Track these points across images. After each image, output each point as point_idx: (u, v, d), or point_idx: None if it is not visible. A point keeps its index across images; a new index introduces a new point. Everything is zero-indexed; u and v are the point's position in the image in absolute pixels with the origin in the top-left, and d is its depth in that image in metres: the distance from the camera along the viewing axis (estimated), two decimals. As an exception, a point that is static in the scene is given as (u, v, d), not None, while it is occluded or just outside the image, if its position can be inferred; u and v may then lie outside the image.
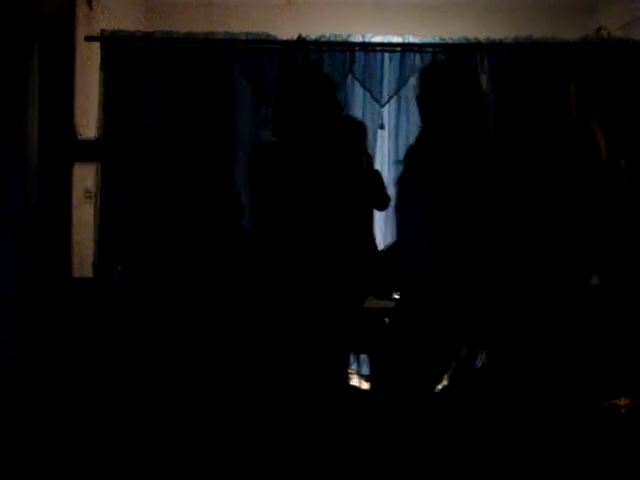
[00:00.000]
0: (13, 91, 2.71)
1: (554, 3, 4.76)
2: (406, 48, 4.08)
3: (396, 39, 4.12)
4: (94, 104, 3.98)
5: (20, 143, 2.74)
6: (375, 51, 4.09)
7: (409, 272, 2.71)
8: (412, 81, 4.09)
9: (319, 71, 3.36)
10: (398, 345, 2.67)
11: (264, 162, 2.76)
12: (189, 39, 4.01)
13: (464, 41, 4.06)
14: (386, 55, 4.10)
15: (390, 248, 3.40)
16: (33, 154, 2.83)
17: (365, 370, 3.97)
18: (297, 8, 4.77)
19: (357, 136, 3.89)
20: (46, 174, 3.13)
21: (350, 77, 4.09)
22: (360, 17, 4.69)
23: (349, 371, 3.56)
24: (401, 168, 2.93)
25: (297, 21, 4.34)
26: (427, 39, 4.08)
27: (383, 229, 4.13)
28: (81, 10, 3.79)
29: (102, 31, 4.00)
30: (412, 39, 4.10)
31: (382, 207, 3.78)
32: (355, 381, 3.87)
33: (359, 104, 4.18)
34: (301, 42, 4.04)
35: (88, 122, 3.91)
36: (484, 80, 4.06)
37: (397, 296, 3.25)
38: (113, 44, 3.99)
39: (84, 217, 3.81)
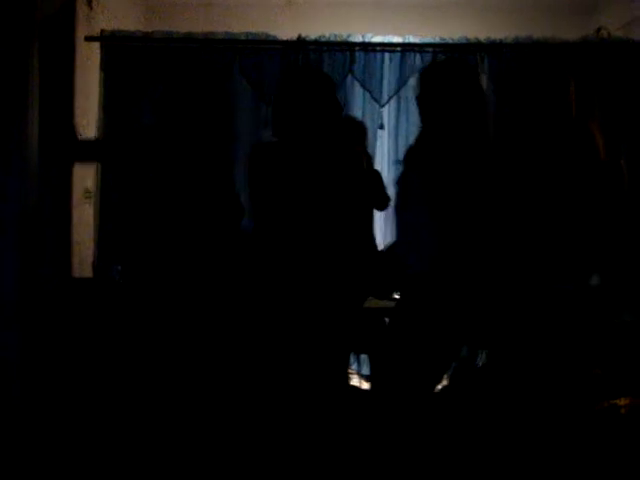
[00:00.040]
0: (13, 91, 2.72)
1: (554, 3, 4.76)
2: (406, 48, 4.07)
3: (396, 39, 4.12)
4: (94, 104, 3.98)
5: (20, 143, 2.74)
6: (375, 51, 4.09)
7: (409, 272, 2.71)
8: (412, 81, 4.09)
9: (319, 71, 3.36)
10: (398, 345, 2.67)
11: (264, 162, 2.76)
12: (189, 39, 4.01)
13: (464, 41, 4.05)
14: (386, 55, 4.10)
15: (390, 248, 3.40)
16: (33, 154, 2.83)
17: (365, 370, 3.96)
18: (297, 8, 4.77)
19: (357, 136, 3.89)
20: (46, 174, 3.13)
21: (350, 77, 4.09)
22: (360, 17, 4.69)
23: (349, 371, 3.56)
24: (401, 168, 2.93)
25: (297, 21, 4.34)
26: (427, 39, 4.08)
27: (383, 229, 4.13)
28: (81, 10, 3.79)
29: (102, 31, 3.99)
30: (412, 39, 4.10)
31: (382, 207, 3.78)
32: (355, 381, 3.87)
33: (359, 104, 4.18)
34: (301, 42, 4.04)
35: (88, 122, 3.91)
36: (484, 80, 4.06)
37: (397, 296, 3.25)
38: (113, 44, 3.99)
39: (84, 217, 3.81)
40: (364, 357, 3.94)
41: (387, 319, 3.19)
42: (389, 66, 4.10)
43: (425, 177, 2.62)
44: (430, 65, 2.92)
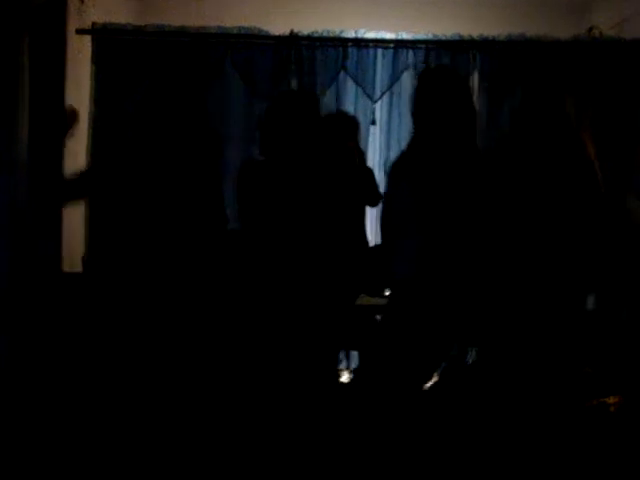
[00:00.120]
0: (3, 86, 2.69)
1: (548, 1, 4.77)
2: (399, 44, 4.08)
3: (389, 35, 4.12)
4: (85, 97, 3.95)
5: (10, 138, 2.72)
6: (368, 47, 4.09)
7: (396, 277, 2.73)
8: (405, 77, 4.10)
9: (303, 93, 3.47)
10: (388, 343, 2.68)
11: (254, 175, 2.82)
12: (181, 33, 4.00)
13: (457, 38, 4.06)
14: (379, 51, 4.10)
15: (378, 248, 3.40)
16: (23, 149, 2.81)
17: (355, 366, 3.97)
18: (290, 3, 4.76)
19: (349, 132, 3.88)
20: (36, 168, 3.11)
21: (342, 73, 4.09)
22: (354, 13, 4.68)
23: (339, 368, 3.57)
24: (390, 175, 2.94)
25: (290, 16, 4.32)
26: (420, 35, 4.08)
27: (375, 226, 4.13)
28: (72, 3, 3.76)
29: (93, 24, 3.97)
30: (405, 35, 4.10)
31: (374, 203, 3.78)
32: (345, 378, 3.87)
33: (351, 100, 4.18)
34: (293, 37, 4.03)
35: (79, 114, 3.88)
36: (476, 77, 4.07)
37: (388, 293, 3.25)
38: (104, 37, 3.97)
39: (74, 212, 3.79)
40: (355, 354, 3.94)
41: (378, 316, 3.20)
42: (382, 62, 4.10)
43: (415, 185, 2.64)
44: (422, 75, 2.94)
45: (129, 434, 2.69)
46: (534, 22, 4.29)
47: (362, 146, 4.03)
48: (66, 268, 3.63)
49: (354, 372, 3.55)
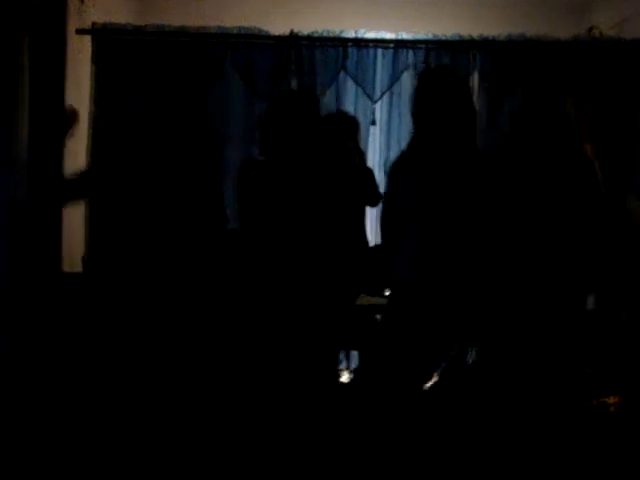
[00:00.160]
0: (3, 86, 2.69)
1: (548, 1, 4.77)
2: (399, 44, 4.08)
3: (389, 35, 4.12)
4: (85, 97, 3.95)
5: (9, 137, 2.72)
6: (368, 47, 4.09)
7: (396, 277, 2.73)
8: (405, 77, 4.10)
9: (303, 94, 3.47)
10: (387, 343, 2.68)
11: (254, 176, 2.82)
12: (181, 33, 4.00)
13: (457, 38, 4.06)
14: (379, 51, 4.10)
15: (378, 248, 3.40)
16: (23, 148, 2.80)
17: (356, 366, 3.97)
18: (290, 3, 4.76)
19: (349, 132, 3.88)
20: (36, 168, 3.10)
21: (342, 73, 4.09)
22: (354, 13, 4.68)
23: (340, 368, 3.57)
24: (390, 175, 2.94)
25: (290, 16, 4.32)
26: (420, 35, 4.08)
27: (375, 226, 4.13)
28: (72, 3, 3.76)
29: (93, 24, 3.97)
30: (405, 35, 4.10)
31: (374, 203, 3.78)
32: (345, 378, 3.87)
33: (351, 100, 4.18)
34: (293, 37, 4.03)
35: (79, 114, 3.88)
36: (476, 77, 4.07)
37: (388, 293, 3.25)
38: (104, 37, 3.97)
39: (74, 212, 3.78)
40: (355, 354, 3.94)
41: (378, 316, 3.19)
42: (382, 62, 4.11)
43: (415, 185, 2.64)
44: (422, 75, 2.94)
45: (129, 434, 2.69)
46: (534, 22, 4.29)
47: (362, 146, 4.03)
48: (66, 268, 3.62)
49: (354, 372, 3.55)
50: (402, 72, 4.08)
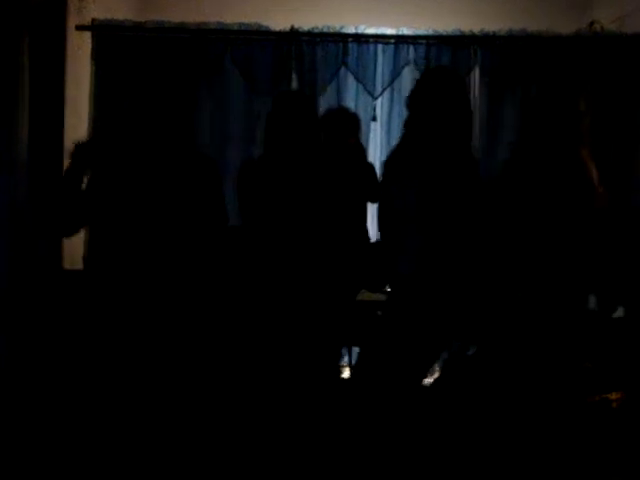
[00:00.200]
0: (3, 86, 2.69)
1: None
2: (399, 40, 4.06)
3: (390, 31, 4.11)
4: (85, 94, 3.94)
5: (10, 137, 2.72)
6: (368, 43, 4.07)
7: (398, 270, 2.73)
8: (405, 73, 4.09)
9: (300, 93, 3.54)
10: (387, 340, 2.68)
11: (255, 173, 2.81)
12: (181, 29, 3.99)
13: (458, 33, 4.05)
14: (379, 47, 4.08)
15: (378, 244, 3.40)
16: (23, 147, 2.81)
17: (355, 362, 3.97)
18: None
19: (350, 128, 3.87)
20: (37, 166, 3.10)
21: (343, 69, 4.08)
22: (354, 8, 4.66)
23: (341, 364, 3.57)
24: (386, 173, 2.94)
25: (290, 12, 4.31)
26: (421, 31, 4.07)
27: (376, 222, 4.13)
28: (72, 0, 3.75)
29: (93, 20, 3.96)
30: (406, 31, 4.08)
31: (375, 199, 3.77)
32: (347, 374, 3.87)
33: (352, 96, 4.17)
34: (294, 33, 4.02)
35: (79, 111, 3.88)
36: (477, 72, 4.06)
37: (389, 289, 3.25)
38: (104, 34, 3.96)
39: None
40: (357, 350, 3.94)
41: (380, 312, 3.19)
42: (382, 58, 4.09)
43: (410, 183, 2.64)
44: (422, 77, 2.94)
45: (129, 433, 2.69)
46: (535, 17, 4.28)
47: (363, 142, 4.02)
48: (67, 265, 3.63)
49: (353, 368, 3.55)
50: (403, 68, 4.07)
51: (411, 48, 4.05)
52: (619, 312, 3.01)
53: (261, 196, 2.80)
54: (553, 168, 2.68)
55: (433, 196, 2.58)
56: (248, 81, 4.04)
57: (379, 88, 4.11)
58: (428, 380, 3.00)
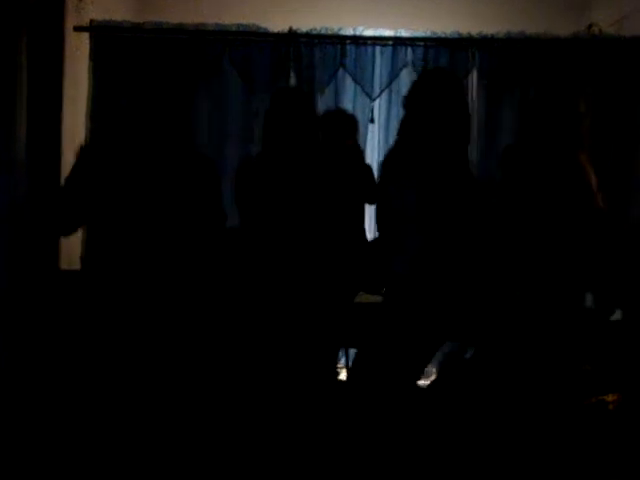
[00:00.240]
0: (1, 86, 2.69)
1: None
2: (398, 42, 4.07)
3: (388, 32, 4.11)
4: (83, 95, 3.95)
5: (8, 137, 2.72)
6: (366, 44, 4.08)
7: (393, 270, 2.73)
8: (403, 75, 4.09)
9: (299, 91, 3.51)
10: (383, 340, 2.68)
11: (253, 173, 2.81)
12: (179, 30, 3.99)
13: (456, 35, 4.05)
14: (377, 48, 4.09)
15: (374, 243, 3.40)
16: (21, 147, 2.81)
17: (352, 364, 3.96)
18: (289, 0, 4.74)
19: (348, 130, 3.88)
20: (34, 166, 3.10)
21: (341, 70, 4.08)
22: (352, 10, 4.67)
23: (338, 366, 3.57)
24: (383, 174, 2.94)
25: (288, 13, 4.32)
26: (419, 33, 4.08)
27: (374, 223, 4.13)
28: (70, 0, 3.75)
29: (91, 21, 3.96)
30: (404, 33, 4.09)
31: (373, 201, 3.77)
32: (344, 375, 3.87)
33: (350, 97, 4.18)
34: (292, 35, 4.02)
35: (77, 112, 3.88)
36: (475, 75, 4.07)
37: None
38: (102, 34, 3.96)
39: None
40: (354, 351, 3.94)
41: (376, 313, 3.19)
42: (380, 60, 4.10)
43: (416, 184, 2.64)
44: (419, 78, 2.94)
45: (128, 432, 2.69)
46: (533, 19, 4.28)
47: (361, 144, 4.02)
48: (64, 266, 3.62)
49: (350, 369, 3.55)
50: (401, 70, 4.08)
51: (409, 50, 4.06)
52: (617, 315, 3.02)
53: (259, 194, 2.80)
54: (551, 171, 2.68)
55: (431, 196, 2.58)
56: (246, 82, 4.04)
57: (377, 90, 4.11)
58: (425, 382, 3.01)
